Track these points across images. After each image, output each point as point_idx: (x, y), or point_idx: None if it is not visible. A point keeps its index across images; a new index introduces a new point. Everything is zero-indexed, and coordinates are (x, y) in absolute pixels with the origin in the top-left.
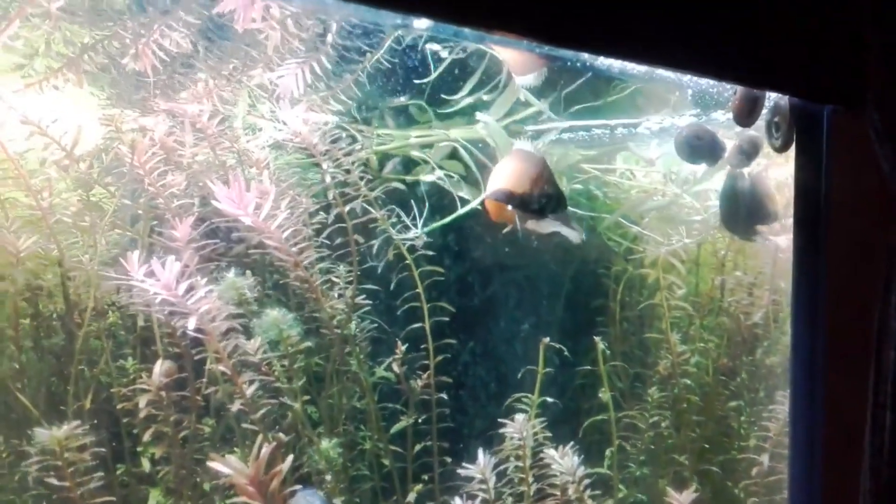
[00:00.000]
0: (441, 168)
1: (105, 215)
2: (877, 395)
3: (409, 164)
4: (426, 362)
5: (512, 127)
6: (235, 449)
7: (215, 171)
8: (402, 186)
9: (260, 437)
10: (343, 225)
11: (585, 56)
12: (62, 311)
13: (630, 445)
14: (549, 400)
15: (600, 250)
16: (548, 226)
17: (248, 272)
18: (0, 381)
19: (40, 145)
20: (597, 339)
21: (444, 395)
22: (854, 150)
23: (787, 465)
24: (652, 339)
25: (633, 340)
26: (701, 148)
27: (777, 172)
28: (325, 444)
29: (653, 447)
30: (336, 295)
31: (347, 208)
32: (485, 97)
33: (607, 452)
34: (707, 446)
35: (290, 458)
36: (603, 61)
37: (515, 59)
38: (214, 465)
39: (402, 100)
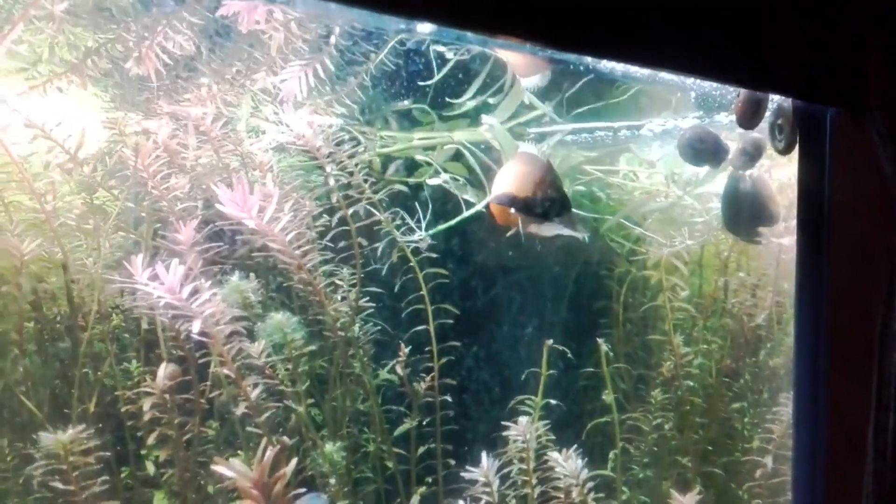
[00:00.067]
0: (446, 171)
1: (109, 218)
2: (879, 397)
3: (413, 167)
4: (430, 365)
5: (516, 129)
6: (239, 452)
7: (219, 174)
8: (405, 189)
9: (264, 440)
10: (347, 228)
11: (588, 59)
12: (66, 314)
13: (633, 447)
14: (553, 402)
15: (603, 252)
16: (550, 229)
17: (252, 275)
18: (4, 385)
19: (44, 148)
20: (600, 340)
21: (448, 398)
22: (857, 153)
23: (791, 466)
24: (655, 340)
25: (637, 342)
26: (704, 150)
27: (779, 174)
28: (328, 447)
29: (656, 449)
30: (339, 298)
31: (351, 211)
32: (490, 100)
33: (611, 454)
34: (710, 448)
35: (294, 461)
36: (606, 64)
37: (520, 61)
38: (218, 468)
39: (406, 102)
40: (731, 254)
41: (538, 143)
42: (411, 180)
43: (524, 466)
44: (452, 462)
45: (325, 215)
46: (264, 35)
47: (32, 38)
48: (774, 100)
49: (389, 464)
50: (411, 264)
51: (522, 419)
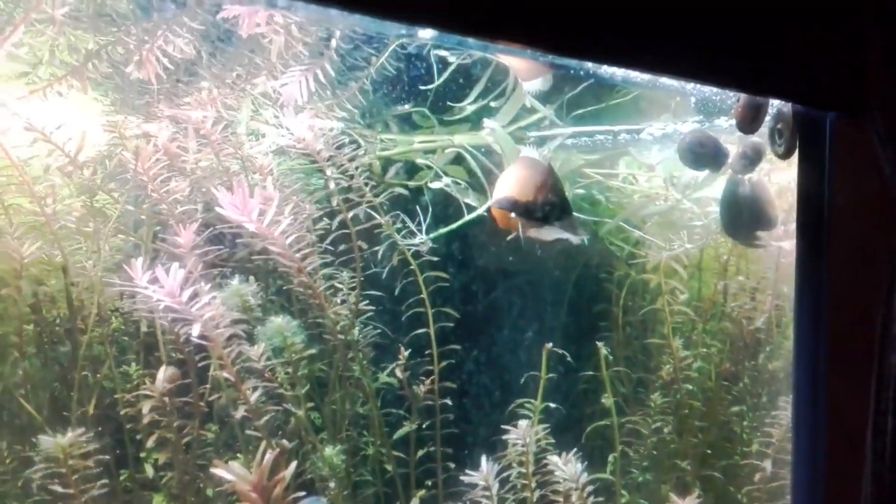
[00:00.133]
0: (447, 175)
1: (109, 221)
2: (878, 400)
3: (413, 171)
4: (430, 368)
5: (516, 133)
6: (239, 455)
7: (219, 178)
8: (405, 192)
9: (263, 443)
10: (347, 231)
11: (589, 64)
12: (66, 317)
13: (633, 451)
14: (553, 406)
15: (603, 255)
16: (549, 233)
17: (252, 278)
18: (4, 388)
19: (44, 151)
20: (599, 344)
21: (448, 401)
22: (856, 157)
23: (790, 470)
24: (654, 344)
25: (636, 345)
26: (704, 155)
27: (778, 177)
28: (328, 450)
29: (655, 453)
30: (339, 301)
31: (351, 214)
32: (492, 104)
33: (610, 458)
34: (710, 452)
35: (294, 464)
36: (606, 68)
37: (522, 65)
38: (218, 471)
39: (406, 106)
40: (731, 257)
41: (539, 147)
42: (412, 183)
43: (524, 470)
44: (452, 465)
45: (325, 219)
46: (265, 39)
47: (33, 40)
48: (774, 104)
49: (389, 467)
50: (412, 268)
51: (522, 423)
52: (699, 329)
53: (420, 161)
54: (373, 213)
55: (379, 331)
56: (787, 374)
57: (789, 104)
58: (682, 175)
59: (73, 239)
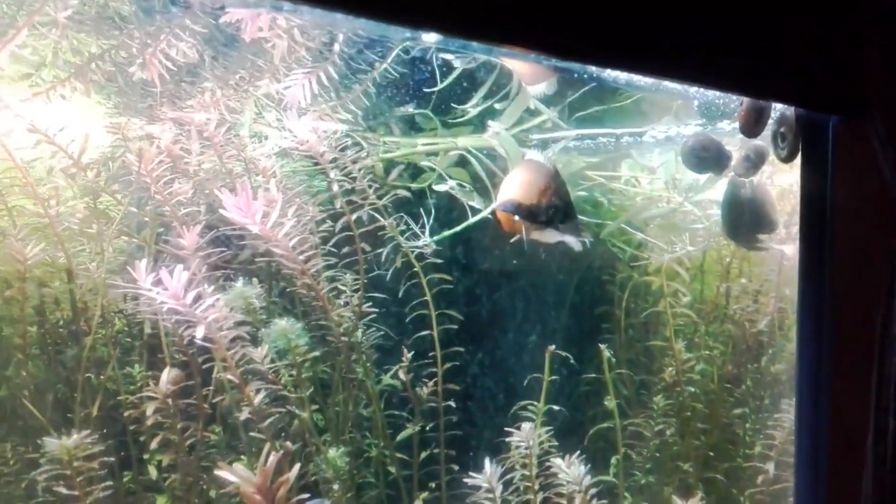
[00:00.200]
0: (451, 178)
1: (112, 223)
2: (879, 401)
3: (417, 173)
4: (433, 370)
5: (519, 135)
6: (242, 457)
7: (222, 180)
8: (408, 195)
9: (267, 445)
10: (350, 233)
11: (592, 68)
12: (69, 318)
13: (635, 453)
14: (555, 408)
15: (605, 257)
16: (551, 235)
17: (255, 280)
18: (8, 389)
19: (48, 153)
20: (602, 346)
21: (451, 403)
22: (859, 160)
23: (793, 472)
24: (657, 346)
25: (639, 348)
26: (707, 158)
27: (781, 180)
28: (331, 452)
29: (658, 455)
30: (342, 303)
31: (355, 216)
32: (497, 106)
33: (613, 460)
34: (712, 454)
35: (297, 466)
36: (609, 72)
37: (526, 69)
38: (221, 473)
39: (410, 109)
40: (733, 260)
41: (543, 150)
42: (415, 185)
43: (527, 472)
44: (455, 468)
45: (328, 221)
46: (267, 43)
47: (36, 43)
48: (777, 108)
49: (392, 469)
50: (415, 270)
51: (525, 425)
52: (702, 331)
53: (423, 163)
54: (376, 215)
55: (382, 333)
56: (790, 377)
57: (792, 108)
58: (683, 178)
59: (76, 241)
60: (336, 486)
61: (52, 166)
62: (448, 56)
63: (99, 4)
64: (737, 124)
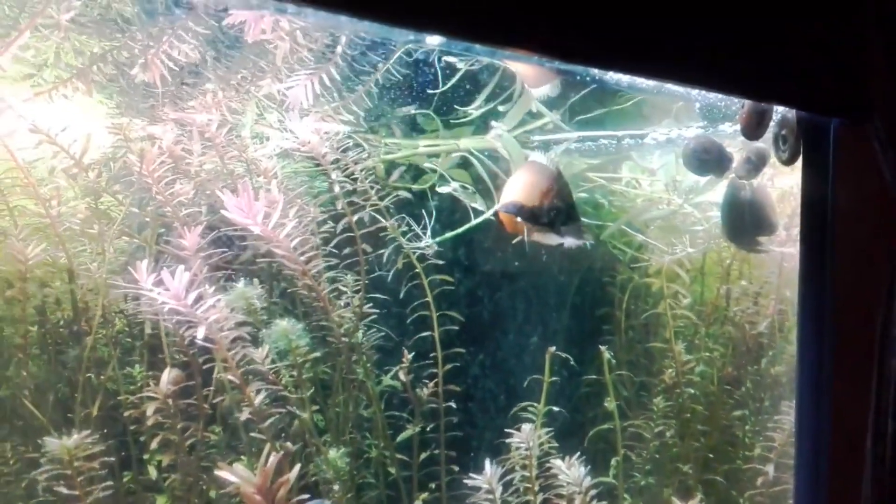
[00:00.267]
0: (453, 179)
1: (113, 223)
2: (879, 403)
3: (418, 174)
4: (433, 371)
5: (521, 137)
6: (242, 457)
7: (223, 180)
8: (409, 196)
9: (267, 445)
10: (351, 234)
11: (594, 70)
12: (70, 318)
13: (635, 455)
14: (556, 409)
15: (606, 259)
16: (552, 237)
17: (256, 281)
18: (9, 389)
19: (49, 154)
20: (602, 347)
21: (452, 404)
22: (860, 163)
23: (793, 474)
24: (657, 347)
25: (639, 349)
26: (709, 160)
27: (781, 182)
28: (332, 453)
29: (658, 456)
30: (343, 304)
31: (356, 217)
32: (500, 108)
33: (612, 461)
34: (712, 456)
35: (297, 467)
36: (611, 75)
37: (530, 71)
38: (222, 473)
39: (411, 110)
40: (734, 262)
41: (545, 152)
42: (416, 187)
43: (527, 473)
44: (455, 468)
45: (329, 222)
46: (270, 45)
47: (39, 44)
48: (778, 111)
49: (392, 470)
50: (417, 271)
51: (525, 426)
52: (702, 333)
53: (426, 165)
54: (377, 216)
55: (383, 334)
56: (790, 379)
57: (793, 110)
58: (683, 180)
59: (77, 241)
60: (336, 487)
61: (54, 167)
62: (451, 58)
63: (101, 6)
64: (738, 127)
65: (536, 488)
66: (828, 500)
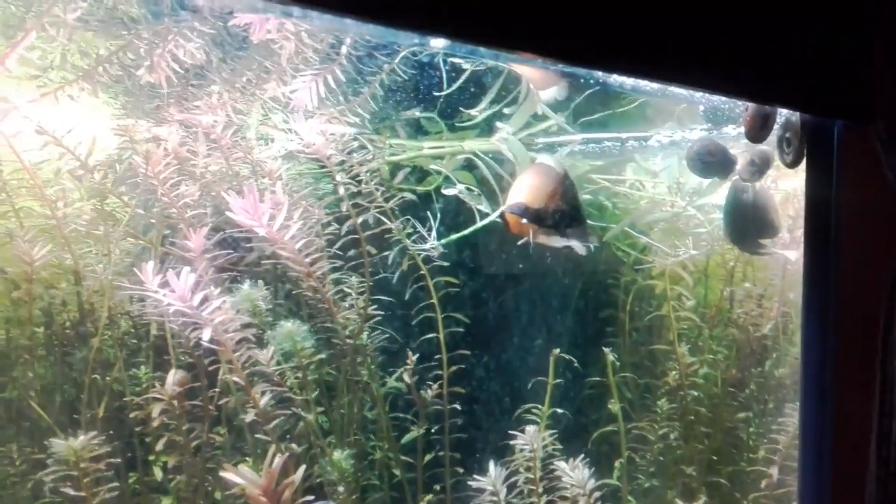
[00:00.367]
0: (460, 182)
1: (119, 225)
2: (882, 405)
3: (422, 176)
4: (438, 373)
5: (525, 140)
6: (247, 459)
7: (228, 182)
8: (414, 197)
9: (272, 447)
10: (356, 236)
11: (599, 73)
12: (76, 320)
13: (639, 457)
14: (560, 411)
15: (610, 261)
16: (557, 240)
17: (261, 282)
18: (15, 391)
19: (55, 155)
20: (606, 350)
21: (457, 406)
22: (864, 165)
23: (797, 476)
24: (661, 350)
25: (643, 351)
26: (713, 163)
27: (785, 184)
28: (336, 454)
29: (662, 459)
30: (348, 305)
31: (361, 219)
32: (506, 110)
33: (616, 464)
34: (716, 458)
35: (302, 468)
36: (616, 77)
37: (536, 74)
38: (227, 474)
39: (416, 112)
40: (737, 264)
41: (551, 153)
42: (421, 189)
43: (531, 475)
44: (460, 470)
45: (334, 223)
46: (275, 45)
47: (45, 45)
48: (783, 113)
49: (397, 472)
50: (422, 273)
51: (529, 428)
52: (705, 335)
53: (433, 167)
54: (382, 218)
55: (388, 336)
56: (794, 381)
57: (797, 113)
58: (686, 182)
59: (83, 242)
60: (341, 489)
61: (60, 168)
62: (457, 60)
63: (107, 7)
64: (742, 129)
65: (540, 490)
66: (832, 502)
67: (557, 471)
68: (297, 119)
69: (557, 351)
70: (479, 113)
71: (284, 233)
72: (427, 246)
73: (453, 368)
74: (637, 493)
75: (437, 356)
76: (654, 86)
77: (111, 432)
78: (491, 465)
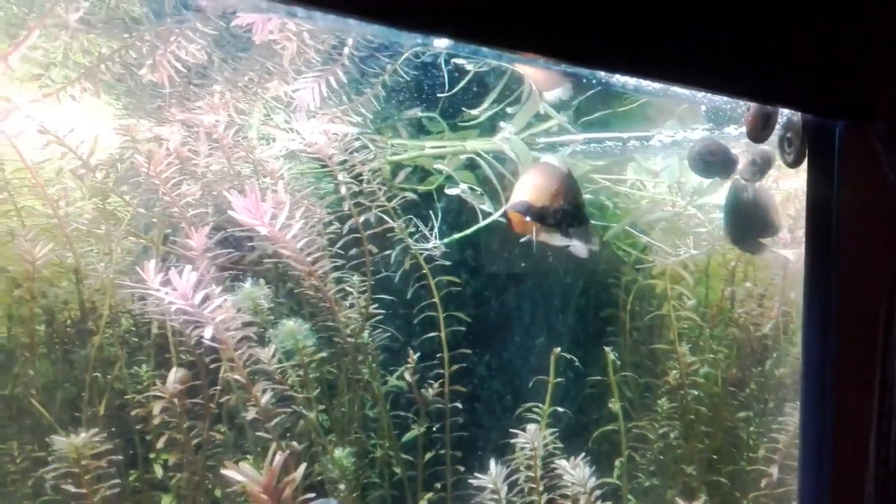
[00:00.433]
0: (463, 181)
1: (120, 224)
2: (882, 405)
3: (424, 175)
4: (439, 371)
5: (527, 139)
6: (248, 457)
7: (230, 181)
8: (415, 197)
9: (273, 445)
10: (358, 235)
11: (601, 73)
12: (77, 318)
13: (639, 456)
14: (560, 410)
15: (610, 260)
16: (559, 239)
17: (263, 281)
18: (16, 388)
19: (57, 154)
20: (607, 349)
21: (457, 404)
22: (865, 165)
23: (797, 476)
24: (661, 349)
25: (643, 351)
26: (715, 163)
27: (786, 184)
28: (337, 452)
29: (662, 458)
30: (349, 304)
31: (362, 218)
32: (508, 110)
33: (617, 463)
34: (716, 457)
35: (303, 466)
36: (618, 77)
37: (540, 75)
38: (228, 472)
39: (418, 112)
40: (738, 263)
41: (553, 153)
42: (423, 188)
43: (532, 474)
44: (461, 469)
45: (335, 223)
46: (277, 45)
47: (47, 44)
48: (784, 113)
49: (398, 470)
50: (423, 272)
51: (530, 426)
52: (706, 335)
53: (436, 167)
54: (384, 217)
55: (389, 334)
56: (794, 381)
57: (799, 113)
58: (687, 181)
59: (85, 241)
60: (342, 486)
61: (62, 167)
62: (460, 60)
63: (109, 6)
64: (744, 129)
65: (541, 488)
66: (832, 501)
67: (558, 469)
68: (299, 119)
69: (558, 350)
70: (480, 113)
71: (286, 232)
72: (429, 245)
73: (454, 367)
74: (637, 491)
75: (438, 355)
76: (655, 86)
77: (112, 430)
78: (492, 463)
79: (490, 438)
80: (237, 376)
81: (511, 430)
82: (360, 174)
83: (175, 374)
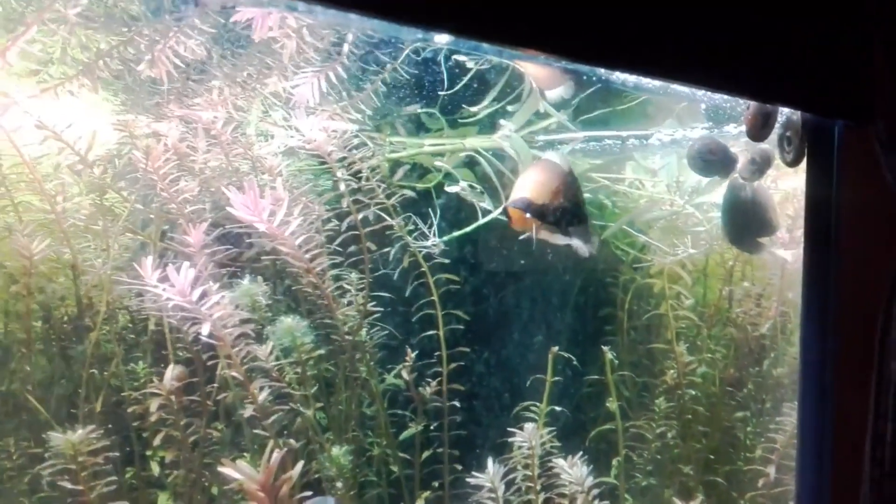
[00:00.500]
0: (463, 179)
1: (118, 220)
2: (878, 406)
3: (423, 173)
4: (437, 369)
5: (526, 137)
6: (245, 454)
7: (228, 178)
8: (414, 194)
9: (271, 442)
10: (356, 232)
11: (601, 70)
12: (74, 314)
13: (637, 455)
14: (558, 409)
15: (609, 259)
16: (560, 237)
17: (260, 278)
18: (13, 384)
19: (55, 150)
20: (605, 348)
21: (455, 403)
22: (864, 165)
23: (795, 476)
24: (659, 348)
25: (641, 350)
26: (714, 162)
27: (785, 184)
28: (335, 450)
29: (659, 457)
30: (347, 302)
31: (361, 216)
32: (509, 108)
33: (614, 462)
34: (713, 457)
35: (301, 464)
36: (617, 75)
37: (541, 72)
38: (225, 469)
39: (419, 109)
40: (736, 263)
41: (553, 151)
42: (421, 185)
43: (529, 472)
44: (458, 467)
45: (334, 220)
46: (276, 43)
47: (45, 39)
48: (784, 112)
49: (395, 468)
50: (422, 270)
51: (528, 425)
52: (704, 334)
53: (436, 164)
54: (383, 214)
55: (387, 332)
56: (792, 381)
57: (798, 112)
58: (686, 180)
59: (82, 237)
60: (339, 484)
61: (59, 163)
62: (460, 57)
63: (108, 2)
64: (743, 128)
65: (538, 487)
66: (830, 501)
67: (555, 468)
68: (297, 115)
69: (556, 349)
70: (479, 110)
71: (284, 229)
72: (428, 243)
73: (452, 365)
74: (634, 491)
75: (436, 353)
76: (655, 83)
77: (109, 426)
78: (489, 461)
79: (488, 437)
80: (234, 373)
81: (509, 429)
82: (358, 171)
83: (172, 371)
